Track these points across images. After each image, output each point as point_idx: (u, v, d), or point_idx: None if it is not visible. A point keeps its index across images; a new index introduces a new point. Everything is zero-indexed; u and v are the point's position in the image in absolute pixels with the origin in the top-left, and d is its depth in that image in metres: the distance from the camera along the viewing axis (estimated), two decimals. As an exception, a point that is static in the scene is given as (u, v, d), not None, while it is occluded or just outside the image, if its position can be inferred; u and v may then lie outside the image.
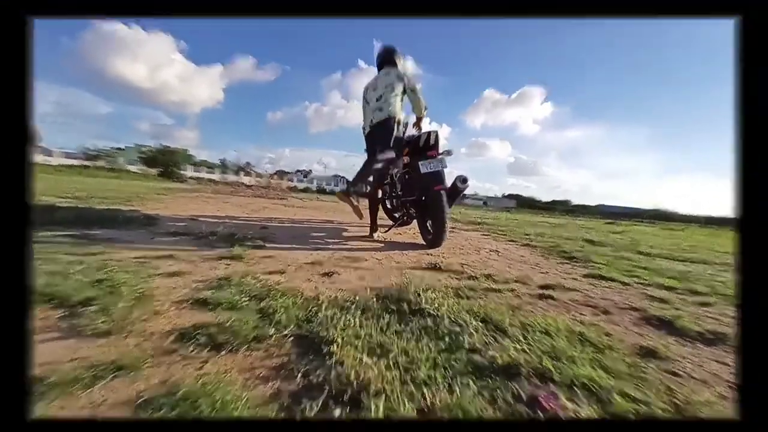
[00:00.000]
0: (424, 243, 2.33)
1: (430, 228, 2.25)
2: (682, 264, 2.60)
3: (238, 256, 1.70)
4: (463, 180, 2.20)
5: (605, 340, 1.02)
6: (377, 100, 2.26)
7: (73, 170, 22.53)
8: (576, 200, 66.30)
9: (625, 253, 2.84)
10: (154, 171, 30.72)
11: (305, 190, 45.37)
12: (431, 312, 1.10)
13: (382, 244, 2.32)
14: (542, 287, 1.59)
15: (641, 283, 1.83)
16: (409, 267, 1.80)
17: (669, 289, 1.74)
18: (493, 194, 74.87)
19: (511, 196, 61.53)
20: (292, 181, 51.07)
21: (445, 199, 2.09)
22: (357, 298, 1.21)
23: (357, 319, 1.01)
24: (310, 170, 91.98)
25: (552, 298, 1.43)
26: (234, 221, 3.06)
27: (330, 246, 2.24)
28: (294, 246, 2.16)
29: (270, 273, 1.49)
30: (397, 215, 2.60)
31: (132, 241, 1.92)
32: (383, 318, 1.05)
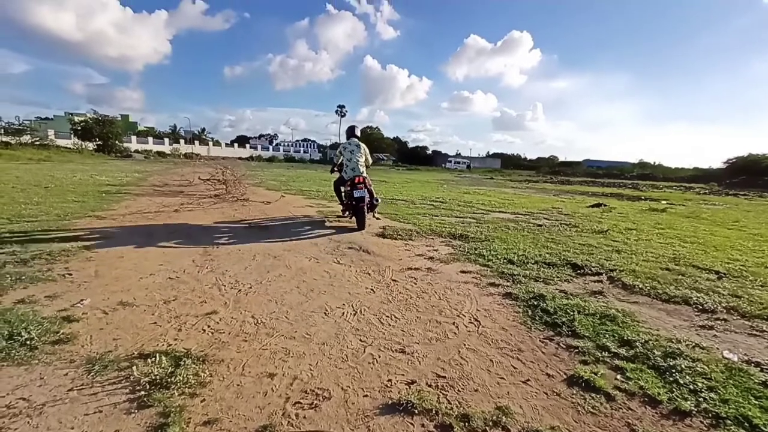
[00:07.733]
0: (356, 226, 4.41)
1: (357, 224, 4.39)
2: None
3: None
4: (377, 200, 4.77)
5: None
6: (351, 160, 4.63)
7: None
8: (561, 156, 64.35)
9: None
10: (91, 145, 26.30)
11: (271, 160, 41.51)
12: None
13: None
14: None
15: None
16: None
17: None
18: (477, 153, 75.87)
19: (495, 155, 62.31)
20: (255, 150, 46.85)
21: (365, 210, 4.36)
22: None
23: None
24: (276, 134, 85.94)
25: None
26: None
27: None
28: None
29: None
30: (346, 213, 4.83)
31: None
32: None
